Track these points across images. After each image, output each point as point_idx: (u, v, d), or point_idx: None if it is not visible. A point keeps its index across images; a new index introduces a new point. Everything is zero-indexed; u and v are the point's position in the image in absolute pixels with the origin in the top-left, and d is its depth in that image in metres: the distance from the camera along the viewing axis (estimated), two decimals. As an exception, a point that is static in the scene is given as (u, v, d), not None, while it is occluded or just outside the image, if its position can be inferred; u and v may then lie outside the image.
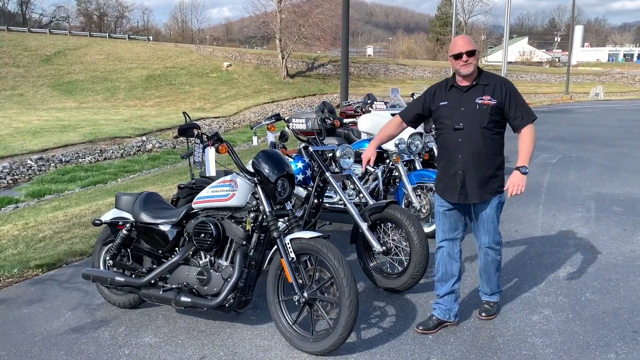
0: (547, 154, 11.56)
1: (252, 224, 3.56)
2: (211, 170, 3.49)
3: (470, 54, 3.53)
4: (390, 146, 5.72)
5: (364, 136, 6.29)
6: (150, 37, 55.71)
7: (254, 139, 5.02)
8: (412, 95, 7.67)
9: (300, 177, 4.69)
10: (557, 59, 72.65)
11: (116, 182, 13.73)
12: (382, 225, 4.44)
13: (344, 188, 6.07)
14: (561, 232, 5.94)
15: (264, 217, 3.52)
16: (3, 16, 68.27)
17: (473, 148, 3.58)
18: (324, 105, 8.20)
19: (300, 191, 4.76)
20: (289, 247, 3.42)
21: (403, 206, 5.84)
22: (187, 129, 3.48)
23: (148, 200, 4.08)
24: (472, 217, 3.80)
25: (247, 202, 3.60)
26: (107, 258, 4.13)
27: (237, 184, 3.59)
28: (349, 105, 9.29)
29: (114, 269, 4.13)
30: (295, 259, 3.42)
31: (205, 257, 3.74)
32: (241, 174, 3.55)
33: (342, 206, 5.97)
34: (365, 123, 5.97)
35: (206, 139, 3.51)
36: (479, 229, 3.79)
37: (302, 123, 4.84)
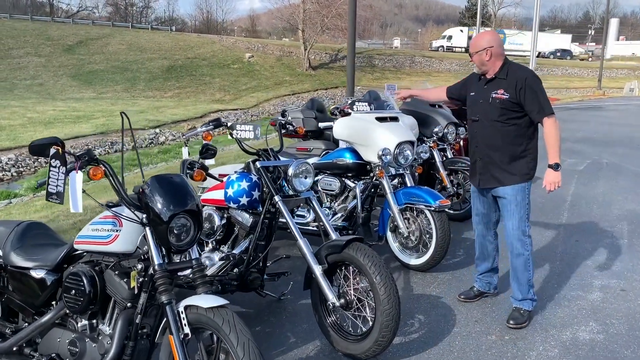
0: (574, 159, 10.24)
1: (139, 279, 2.55)
2: (78, 205, 2.47)
3: (472, 55, 3.78)
4: (373, 157, 4.64)
5: (341, 144, 5.18)
6: (173, 28, 55.15)
7: (184, 150, 3.97)
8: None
9: (244, 200, 3.66)
10: (590, 52, 69.53)
11: (119, 177, 12.97)
12: (344, 268, 3.38)
13: (321, 204, 5.05)
14: (584, 268, 4.78)
15: (154, 270, 2.50)
16: (31, 6, 68.78)
17: (486, 139, 3.78)
18: (312, 103, 7.16)
19: (245, 218, 3.73)
20: (183, 318, 2.41)
21: (389, 231, 4.78)
22: (42, 146, 2.45)
23: (26, 235, 3.08)
24: (498, 204, 3.87)
25: (138, 247, 2.60)
26: (-26, 308, 3.17)
27: (122, 223, 2.58)
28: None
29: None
30: (189, 335, 2.40)
31: (84, 319, 2.74)
32: (123, 212, 2.53)
33: (315, 229, 4.91)
34: (340, 128, 4.79)
35: (74, 159, 2.49)
36: (504, 214, 3.84)
37: (250, 131, 3.79)
